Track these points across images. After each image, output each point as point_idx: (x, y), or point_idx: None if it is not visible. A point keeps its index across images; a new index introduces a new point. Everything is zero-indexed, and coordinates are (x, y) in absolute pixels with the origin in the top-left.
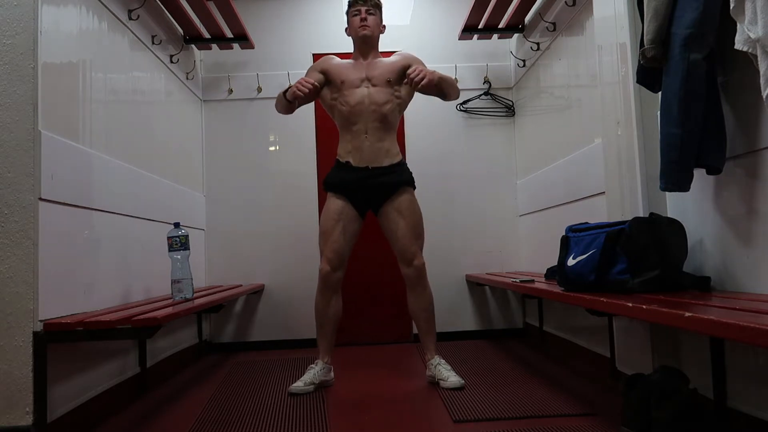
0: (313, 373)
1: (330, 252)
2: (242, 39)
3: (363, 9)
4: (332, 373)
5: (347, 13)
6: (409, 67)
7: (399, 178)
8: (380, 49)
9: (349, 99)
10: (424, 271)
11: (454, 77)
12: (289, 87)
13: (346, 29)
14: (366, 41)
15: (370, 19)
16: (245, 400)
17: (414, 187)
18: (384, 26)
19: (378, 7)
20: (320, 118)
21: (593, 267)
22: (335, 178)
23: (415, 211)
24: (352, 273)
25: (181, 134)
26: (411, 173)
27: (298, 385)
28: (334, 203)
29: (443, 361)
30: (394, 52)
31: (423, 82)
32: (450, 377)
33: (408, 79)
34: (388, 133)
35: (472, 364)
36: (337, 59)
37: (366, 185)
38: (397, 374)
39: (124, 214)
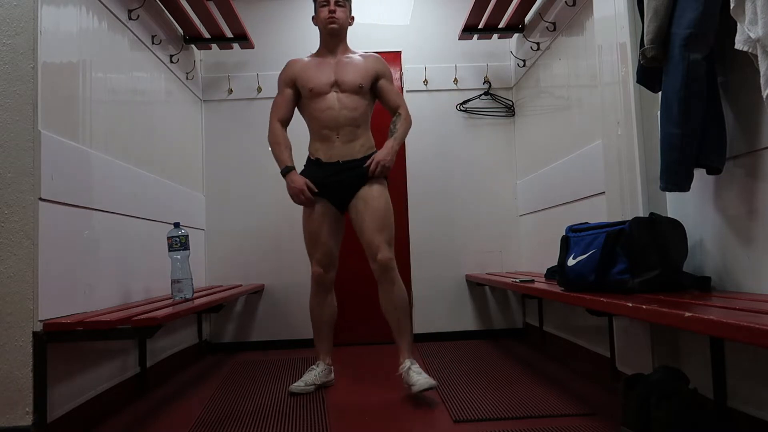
0: (314, 374)
1: (320, 254)
2: (242, 39)
3: (332, 0)
4: (333, 375)
5: (315, 1)
6: (381, 77)
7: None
8: (380, 48)
9: (320, 105)
10: (392, 266)
11: (454, 77)
12: (277, 155)
13: (313, 18)
14: (334, 34)
15: (339, 11)
16: (245, 400)
17: (386, 178)
18: (353, 18)
19: None
20: None
21: (593, 267)
22: (307, 176)
23: (380, 202)
24: (348, 272)
25: (181, 134)
26: None
27: (299, 385)
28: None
29: (415, 364)
30: (398, 52)
31: (380, 174)
32: (419, 380)
33: (368, 171)
34: (361, 129)
35: (472, 364)
36: (302, 61)
37: (338, 180)
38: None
39: (124, 214)
